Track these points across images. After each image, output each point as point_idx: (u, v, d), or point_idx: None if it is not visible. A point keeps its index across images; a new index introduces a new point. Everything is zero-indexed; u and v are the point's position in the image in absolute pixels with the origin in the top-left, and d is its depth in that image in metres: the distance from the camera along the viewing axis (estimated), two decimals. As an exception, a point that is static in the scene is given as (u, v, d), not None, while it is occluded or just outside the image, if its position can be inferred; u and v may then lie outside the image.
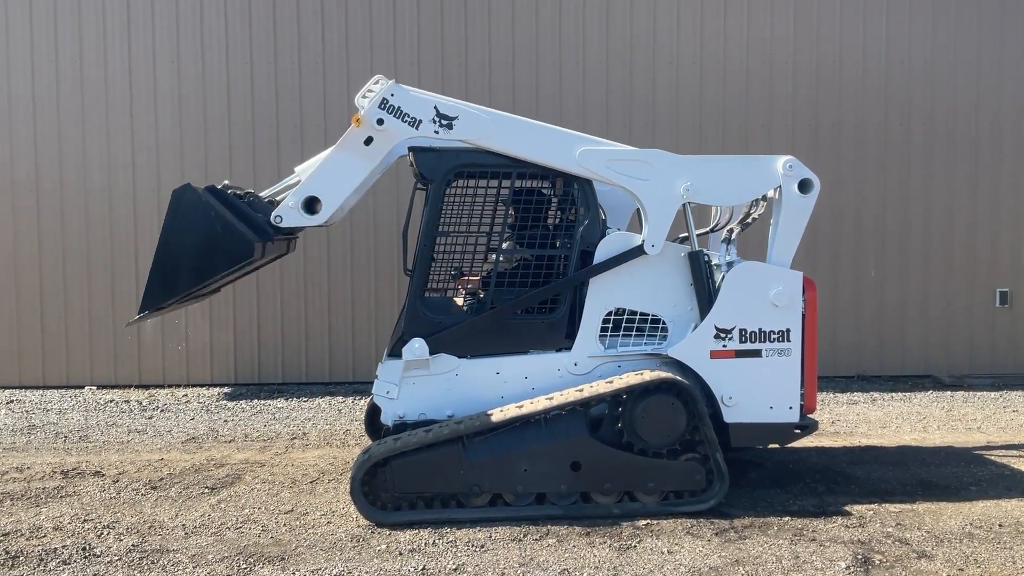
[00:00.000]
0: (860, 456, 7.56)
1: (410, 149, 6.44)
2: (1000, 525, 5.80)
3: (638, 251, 6.28)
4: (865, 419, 9.13)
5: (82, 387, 10.74)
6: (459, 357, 6.33)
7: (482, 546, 5.43)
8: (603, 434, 6.04)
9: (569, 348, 6.38)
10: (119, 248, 10.80)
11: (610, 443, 5.99)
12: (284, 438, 8.34)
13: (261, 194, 6.85)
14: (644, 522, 5.81)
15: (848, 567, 5.10)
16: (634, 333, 6.40)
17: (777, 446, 7.02)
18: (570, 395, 6.01)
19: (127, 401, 10.06)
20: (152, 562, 5.23)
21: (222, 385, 10.85)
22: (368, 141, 6.14)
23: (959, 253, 11.36)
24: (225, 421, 9.09)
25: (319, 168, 6.26)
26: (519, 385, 6.33)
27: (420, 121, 6.12)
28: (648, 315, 6.40)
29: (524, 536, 5.59)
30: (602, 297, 6.37)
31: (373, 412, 7.27)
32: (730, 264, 6.37)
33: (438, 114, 6.13)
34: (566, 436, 5.92)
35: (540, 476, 5.91)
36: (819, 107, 11.20)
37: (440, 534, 5.60)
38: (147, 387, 10.75)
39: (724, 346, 6.24)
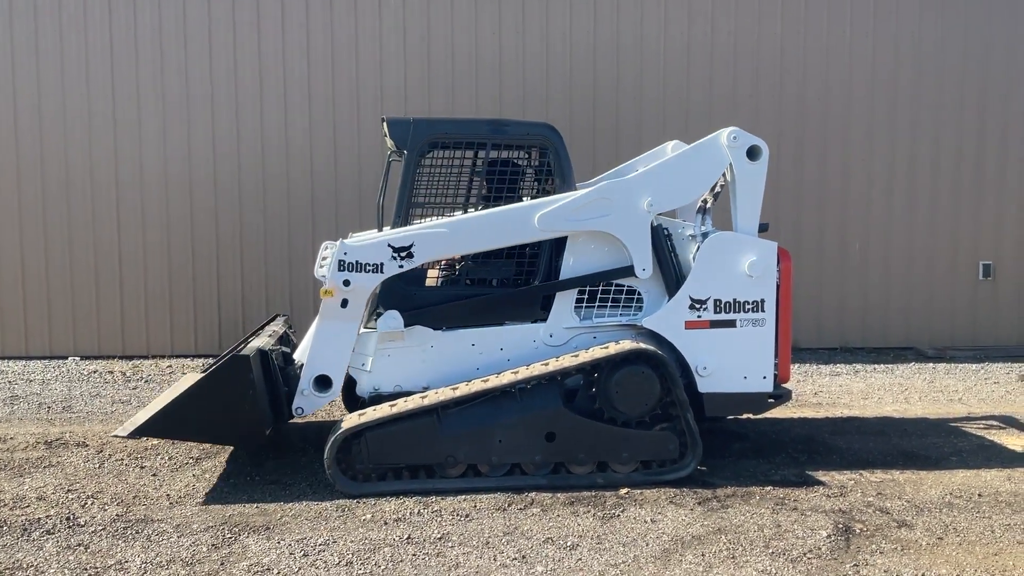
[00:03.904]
0: (842, 427, 7.63)
1: (383, 120, 6.41)
2: (979, 495, 5.87)
3: (629, 271, 6.32)
4: (847, 390, 9.20)
5: (65, 358, 10.69)
6: (434, 329, 6.34)
7: (467, 516, 5.46)
8: (577, 405, 6.07)
9: (544, 319, 6.40)
10: (101, 217, 10.70)
11: (584, 414, 6.02)
12: (269, 409, 8.32)
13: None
14: (625, 490, 5.85)
15: (829, 536, 5.16)
16: (609, 304, 6.43)
17: (755, 416, 7.06)
18: (544, 367, 6.02)
19: (111, 372, 10.01)
20: (137, 532, 5.23)
21: (206, 356, 10.79)
22: (344, 304, 6.20)
23: (942, 226, 11.40)
24: (210, 392, 9.05)
25: (314, 347, 6.35)
26: (494, 356, 6.34)
27: (381, 264, 6.15)
28: (623, 286, 6.42)
29: (509, 505, 5.62)
30: (577, 269, 6.37)
31: (350, 384, 7.26)
32: (705, 235, 6.37)
33: (394, 250, 6.15)
34: (540, 407, 5.94)
35: (514, 447, 5.93)
36: (805, 79, 11.17)
37: (425, 503, 5.63)
38: (131, 358, 10.71)
39: (699, 317, 6.25)
